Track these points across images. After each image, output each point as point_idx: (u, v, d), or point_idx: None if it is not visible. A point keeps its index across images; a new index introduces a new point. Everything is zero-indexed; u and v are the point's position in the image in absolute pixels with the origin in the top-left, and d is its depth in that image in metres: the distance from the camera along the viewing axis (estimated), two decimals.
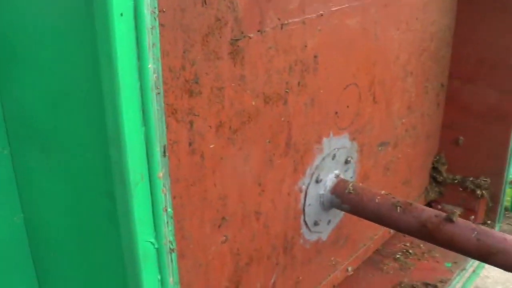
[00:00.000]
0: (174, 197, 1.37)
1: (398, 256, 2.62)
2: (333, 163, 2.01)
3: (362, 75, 2.03)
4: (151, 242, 1.09)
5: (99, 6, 0.93)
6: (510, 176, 2.86)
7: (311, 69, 1.76)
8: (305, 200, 1.93)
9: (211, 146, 1.49)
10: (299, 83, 1.73)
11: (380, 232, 2.53)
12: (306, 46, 1.72)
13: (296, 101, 1.74)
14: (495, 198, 2.76)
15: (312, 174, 1.93)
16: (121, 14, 0.93)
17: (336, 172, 2.03)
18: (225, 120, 1.51)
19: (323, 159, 1.95)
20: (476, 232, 1.78)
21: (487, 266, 4.18)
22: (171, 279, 1.13)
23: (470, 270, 2.68)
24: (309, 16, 1.69)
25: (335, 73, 1.88)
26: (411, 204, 1.89)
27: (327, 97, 1.88)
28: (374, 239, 2.50)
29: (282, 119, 1.71)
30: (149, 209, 1.07)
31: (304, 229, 1.99)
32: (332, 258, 2.23)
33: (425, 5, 2.29)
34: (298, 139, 1.80)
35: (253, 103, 1.59)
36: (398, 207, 1.89)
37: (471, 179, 2.72)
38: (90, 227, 1.20)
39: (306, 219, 1.97)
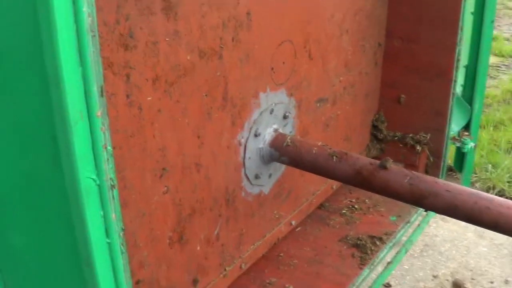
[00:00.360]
0: (114, 148, 1.47)
1: (344, 211, 2.75)
2: (271, 117, 2.13)
3: (296, 32, 2.14)
4: (93, 179, 1.17)
5: None
6: (452, 132, 3.03)
7: (245, 26, 1.87)
8: (244, 153, 2.05)
9: (149, 99, 1.59)
10: (233, 39, 1.84)
11: (323, 187, 2.67)
12: (238, 3, 1.82)
13: (231, 56, 1.85)
14: (438, 154, 2.92)
15: (251, 128, 2.04)
16: None
17: (275, 126, 2.15)
18: (161, 73, 1.61)
19: (261, 113, 2.07)
20: (409, 177, 1.93)
21: (435, 224, 4.37)
22: (113, 215, 1.21)
23: (415, 223, 2.85)
24: None
25: (269, 30, 1.99)
26: (346, 153, 2.03)
27: (262, 53, 1.99)
28: (317, 194, 2.64)
29: (218, 73, 1.81)
30: (89, 146, 1.15)
31: (245, 182, 2.10)
32: (275, 212, 2.36)
33: None
34: (235, 94, 1.91)
35: (188, 57, 1.69)
36: (334, 157, 2.02)
37: (410, 135, 2.88)
38: (36, 173, 1.28)
39: (247, 172, 2.09)
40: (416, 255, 4.15)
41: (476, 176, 5.20)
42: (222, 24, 1.77)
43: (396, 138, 2.91)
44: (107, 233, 1.23)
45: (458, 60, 2.72)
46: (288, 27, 2.09)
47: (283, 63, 2.12)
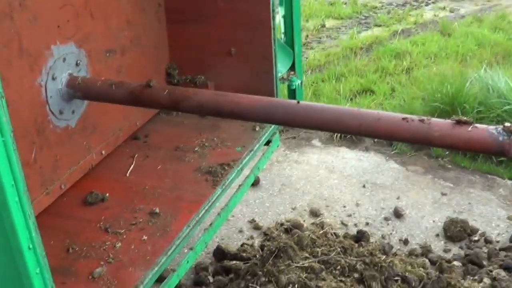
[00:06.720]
0: None
1: (196, 149, 3.73)
2: (65, 65, 3.18)
3: None
4: None
5: None
6: (280, 73, 4.12)
7: None
8: (46, 93, 3.08)
9: None
10: (20, 4, 2.87)
11: (127, 124, 3.77)
12: None
13: (21, 17, 2.88)
14: (270, 93, 3.93)
15: (48, 73, 3.08)
16: None
17: (70, 71, 3.21)
18: None
19: (55, 61, 3.11)
20: (167, 90, 3.04)
21: (289, 166, 5.56)
22: (5, 118, 1.85)
23: (259, 153, 3.89)
24: None
25: None
26: (122, 81, 3.12)
27: (47, 14, 3.02)
28: (123, 129, 3.72)
29: (12, 30, 2.85)
30: None
31: (51, 116, 3.13)
32: (85, 143, 3.42)
33: None
34: (29, 46, 2.94)
35: None
36: (113, 85, 3.10)
37: (198, 76, 4.03)
38: None
39: (51, 108, 3.12)
40: (275, 194, 5.35)
41: None
42: None
43: (188, 80, 4.05)
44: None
45: (273, 11, 3.78)
46: None
47: (68, 21, 3.17)
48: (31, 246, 1.98)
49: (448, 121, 2.49)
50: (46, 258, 2.06)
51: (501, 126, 2.40)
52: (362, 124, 2.65)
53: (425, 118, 2.51)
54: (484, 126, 2.45)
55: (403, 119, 2.54)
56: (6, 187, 1.85)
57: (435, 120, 2.52)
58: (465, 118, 2.43)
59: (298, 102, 2.84)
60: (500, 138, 2.39)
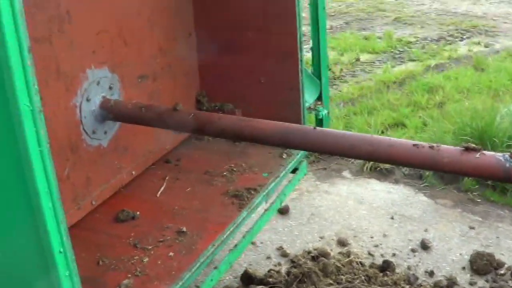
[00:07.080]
0: None
1: (225, 174, 3.85)
2: (99, 88, 3.41)
3: (110, 25, 3.44)
4: (27, 105, 1.91)
5: None
6: (308, 104, 4.28)
7: (66, 21, 3.15)
8: (80, 113, 3.31)
9: None
10: (58, 30, 3.12)
11: (157, 147, 3.99)
12: (59, 4, 3.10)
13: (59, 42, 3.12)
14: (298, 122, 4.03)
15: (83, 95, 3.31)
16: None
17: (103, 94, 3.44)
18: None
19: (90, 84, 3.34)
20: (192, 114, 3.25)
21: (319, 197, 5.71)
22: (42, 131, 1.96)
23: (285, 179, 4.05)
24: None
25: (87, 23, 3.27)
26: (152, 105, 3.34)
27: (84, 40, 3.27)
28: (153, 152, 3.94)
29: (50, 54, 3.09)
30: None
31: (85, 136, 3.36)
32: (116, 162, 3.63)
33: None
34: (66, 69, 3.17)
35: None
36: (143, 108, 3.32)
37: (227, 104, 4.23)
38: None
39: (85, 128, 3.35)
40: (304, 223, 5.46)
41: None
42: (48, 20, 3.05)
43: (216, 107, 4.26)
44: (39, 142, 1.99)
45: (301, 43, 3.98)
46: (102, 20, 3.39)
47: (103, 47, 3.41)
48: (61, 250, 2.15)
49: (457, 148, 2.64)
50: (75, 263, 2.23)
51: (508, 153, 2.54)
52: (375, 150, 2.80)
53: (434, 145, 2.66)
54: (491, 153, 2.60)
55: (414, 145, 2.69)
56: (41, 193, 2.01)
57: (444, 146, 2.67)
58: (473, 145, 2.57)
59: (315, 128, 3.01)
60: (507, 165, 2.53)
